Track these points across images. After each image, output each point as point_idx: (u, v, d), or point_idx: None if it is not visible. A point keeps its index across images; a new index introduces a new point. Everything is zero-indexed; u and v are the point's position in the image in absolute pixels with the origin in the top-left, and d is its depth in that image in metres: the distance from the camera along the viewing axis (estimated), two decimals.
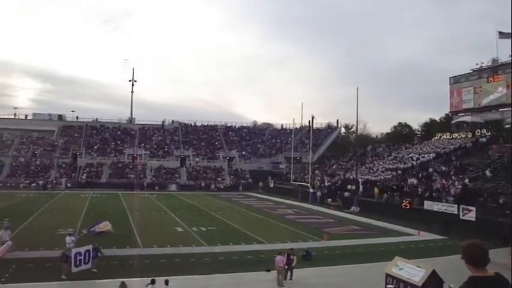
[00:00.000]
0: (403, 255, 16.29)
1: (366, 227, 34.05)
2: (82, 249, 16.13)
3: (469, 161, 44.03)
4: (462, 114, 60.15)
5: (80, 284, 16.65)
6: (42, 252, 21.01)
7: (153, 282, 13.71)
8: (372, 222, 35.90)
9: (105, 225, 20.90)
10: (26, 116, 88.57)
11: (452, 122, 61.76)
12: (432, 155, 50.52)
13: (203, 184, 71.02)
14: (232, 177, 76.30)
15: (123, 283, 13.57)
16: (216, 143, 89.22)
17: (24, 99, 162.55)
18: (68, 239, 19.60)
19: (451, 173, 41.66)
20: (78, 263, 15.73)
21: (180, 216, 36.74)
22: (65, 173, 69.99)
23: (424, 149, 55.61)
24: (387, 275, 14.79)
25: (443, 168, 44.30)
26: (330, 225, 34.16)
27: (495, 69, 53.53)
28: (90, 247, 16.92)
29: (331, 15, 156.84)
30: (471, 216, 30.70)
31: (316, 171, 65.09)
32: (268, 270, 18.88)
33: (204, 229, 30.35)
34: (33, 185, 63.22)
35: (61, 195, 53.93)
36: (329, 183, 55.88)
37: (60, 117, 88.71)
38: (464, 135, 53.84)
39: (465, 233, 27.11)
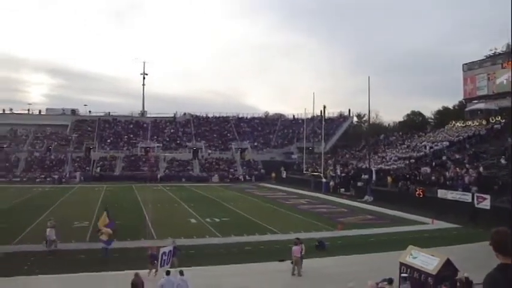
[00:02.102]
0: (416, 244, 16.26)
1: (379, 216, 33.99)
2: (167, 249, 16.17)
3: (484, 148, 43.63)
4: (476, 101, 59.54)
5: (98, 276, 16.90)
6: (59, 245, 21.25)
7: (168, 273, 13.83)
8: (385, 211, 35.80)
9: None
10: (40, 111, 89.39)
11: (466, 109, 61.20)
12: (446, 143, 50.14)
13: (216, 175, 71.32)
14: (244, 168, 76.45)
15: (136, 274, 13.71)
16: (228, 135, 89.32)
17: (38, 94, 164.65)
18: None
19: (465, 161, 41.33)
20: (163, 263, 15.79)
21: (194, 207, 36.97)
22: (79, 167, 70.67)
23: (438, 137, 55.19)
24: (401, 264, 14.80)
25: (457, 156, 43.95)
26: (343, 215, 34.17)
27: (509, 54, 52.73)
28: (172, 246, 16.87)
29: (343, 4, 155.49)
30: (486, 204, 30.46)
31: (329, 161, 64.93)
32: (282, 260, 18.96)
33: (217, 220, 30.54)
34: (48, 179, 63.97)
35: (76, 188, 54.49)
36: (342, 173, 55.75)
37: (73, 111, 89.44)
38: (478, 123, 53.26)
39: (480, 222, 27.03)
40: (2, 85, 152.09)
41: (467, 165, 39.29)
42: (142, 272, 15.02)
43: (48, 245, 20.41)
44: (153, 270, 16.28)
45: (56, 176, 64.65)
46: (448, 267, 13.56)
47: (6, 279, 15.71)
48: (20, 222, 28.01)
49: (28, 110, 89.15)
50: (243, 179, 70.97)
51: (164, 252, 15.97)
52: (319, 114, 78.21)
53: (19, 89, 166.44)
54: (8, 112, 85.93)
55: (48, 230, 20.70)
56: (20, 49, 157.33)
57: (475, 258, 17.37)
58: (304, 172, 61.62)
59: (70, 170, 68.89)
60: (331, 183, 53.50)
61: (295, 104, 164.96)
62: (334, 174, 56.39)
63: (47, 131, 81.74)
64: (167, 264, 16.00)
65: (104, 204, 38.40)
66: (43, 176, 65.49)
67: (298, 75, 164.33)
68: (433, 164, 44.20)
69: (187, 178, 69.72)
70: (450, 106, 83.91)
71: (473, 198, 31.78)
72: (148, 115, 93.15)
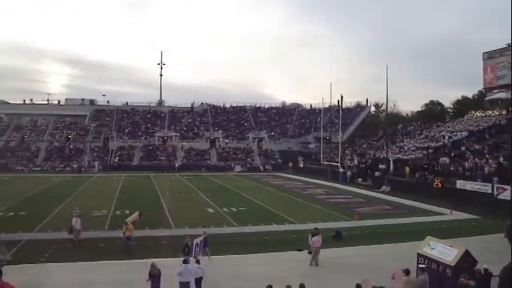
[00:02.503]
0: (435, 235, 16.15)
1: (397, 206, 33.79)
2: (198, 240, 16.46)
3: (504, 138, 42.98)
4: (496, 90, 58.63)
5: (117, 264, 17.15)
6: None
7: (186, 261, 13.96)
8: (403, 202, 35.59)
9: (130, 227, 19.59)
10: (59, 101, 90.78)
11: (486, 98, 60.34)
12: (465, 133, 49.55)
13: (233, 165, 71.56)
14: (261, 157, 76.52)
15: (152, 265, 13.84)
16: (245, 124, 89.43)
17: (57, 85, 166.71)
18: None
19: (485, 151, 40.80)
20: (196, 254, 16.04)
21: (211, 197, 37.17)
22: (98, 157, 71.48)
23: (457, 127, 54.55)
24: (419, 255, 14.72)
25: (477, 146, 43.40)
26: (360, 205, 34.04)
27: None
28: (203, 237, 17.07)
29: None
30: (506, 195, 30.05)
31: (346, 151, 64.67)
32: (300, 250, 19.00)
33: (234, 210, 30.67)
34: (67, 168, 64.98)
35: (94, 178, 55.19)
36: (359, 163, 55.48)
37: (91, 102, 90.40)
38: (498, 113, 52.47)
39: (499, 213, 26.72)
40: (23, 76, 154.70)
41: (486, 156, 38.80)
42: (160, 261, 15.16)
43: (74, 234, 20.52)
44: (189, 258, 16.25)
45: (75, 166, 65.71)
46: (467, 258, 13.44)
47: (27, 266, 16.01)
48: (41, 211, 28.51)
49: (48, 100, 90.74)
50: (262, 169, 71.06)
51: (197, 243, 16.23)
52: (336, 103, 77.94)
53: (39, 79, 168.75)
54: (29, 103, 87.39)
55: (74, 219, 20.79)
56: (39, 40, 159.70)
57: (494, 250, 17.26)
58: (322, 162, 61.47)
59: (89, 160, 69.75)
60: (349, 173, 53.30)
61: (313, 94, 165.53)
62: (351, 164, 56.15)
63: (66, 121, 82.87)
64: (199, 254, 16.24)
65: (122, 193, 38.99)
66: (62, 165, 66.53)
67: (315, 64, 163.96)
68: (452, 154, 43.73)
69: (206, 167, 69.97)
70: (470, 95, 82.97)
71: (493, 189, 31.39)
72: (165, 105, 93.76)
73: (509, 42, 54.72)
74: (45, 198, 35.76)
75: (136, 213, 21.24)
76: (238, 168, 70.58)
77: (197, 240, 16.46)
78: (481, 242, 19.84)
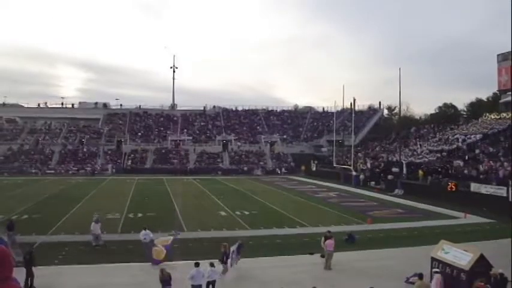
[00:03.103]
0: (449, 239, 16.00)
1: (410, 210, 33.53)
2: (235, 247, 16.51)
3: None
4: (511, 92, 57.91)
5: (129, 266, 17.23)
6: (91, 236, 21.68)
7: (197, 265, 13.97)
8: (416, 205, 35.29)
9: (160, 249, 17.60)
10: (73, 105, 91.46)
11: (501, 101, 59.69)
12: (479, 136, 49.06)
13: (245, 168, 71.61)
14: (274, 161, 76.44)
15: (162, 270, 13.87)
16: (258, 127, 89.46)
17: (71, 89, 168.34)
18: (143, 233, 18.80)
19: (500, 154, 40.34)
20: (232, 261, 16.08)
21: (223, 200, 37.16)
22: (111, 160, 71.99)
23: (471, 130, 54.03)
24: (433, 259, 14.59)
25: (491, 149, 42.94)
26: (373, 208, 33.82)
27: None
28: (237, 244, 17.05)
29: None
30: None
31: (359, 154, 64.39)
32: (312, 254, 18.93)
33: (247, 213, 30.63)
34: (81, 171, 65.49)
35: (108, 181, 55.55)
36: (372, 166, 55.19)
37: (104, 105, 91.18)
38: None
39: None
40: (38, 80, 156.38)
41: (501, 159, 38.36)
42: (172, 264, 15.18)
43: (94, 239, 20.33)
44: (226, 266, 16.17)
45: (89, 168, 66.17)
46: (482, 262, 13.29)
47: (41, 268, 16.13)
48: (55, 213, 28.73)
49: (62, 104, 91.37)
50: (279, 172, 71.22)
51: (233, 251, 16.20)
52: (348, 106, 77.64)
53: (53, 83, 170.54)
54: (43, 106, 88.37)
55: (92, 224, 20.61)
56: (53, 44, 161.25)
57: (510, 255, 16.99)
58: (334, 165, 61.25)
59: (102, 163, 70.26)
60: (361, 176, 53.04)
61: (325, 97, 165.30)
62: (364, 168, 55.88)
63: (79, 125, 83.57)
64: (236, 262, 16.27)
65: (135, 196, 39.14)
66: (76, 168, 67.02)
67: (327, 67, 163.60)
68: (466, 157, 43.30)
69: (221, 171, 70.10)
70: (484, 98, 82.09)
71: (508, 193, 31.00)
72: (178, 108, 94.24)
73: None
74: (59, 201, 36.03)
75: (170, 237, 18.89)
76: (258, 171, 70.78)
77: (234, 247, 16.39)
78: (496, 246, 19.59)
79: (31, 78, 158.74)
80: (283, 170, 72.47)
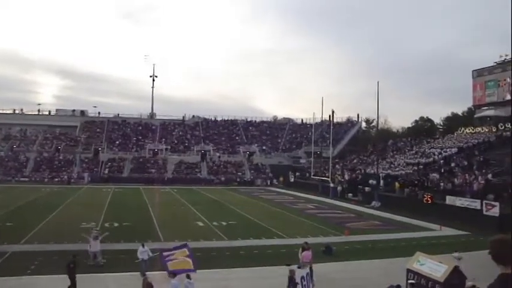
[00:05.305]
0: (424, 251, 16.18)
1: (387, 221, 33.83)
2: (304, 273, 15.43)
3: (493, 155, 43.32)
4: (485, 108, 59.19)
5: (101, 276, 16.95)
6: (66, 245, 21.35)
7: (173, 276, 13.85)
8: (393, 217, 35.64)
9: (182, 259, 16.05)
10: (50, 112, 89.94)
11: (475, 116, 60.88)
12: (454, 150, 49.88)
13: (223, 178, 71.40)
14: (252, 171, 76.40)
15: (144, 279, 13.73)
16: (237, 138, 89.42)
17: (48, 95, 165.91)
18: (141, 250, 17.86)
19: (474, 167, 41.06)
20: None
21: (201, 210, 36.96)
22: (88, 168, 70.95)
23: (446, 144, 54.92)
24: (408, 271, 14.72)
25: (466, 163, 43.69)
26: (350, 220, 34.03)
27: None
28: (308, 268, 16.08)
29: (352, 7, 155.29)
30: (495, 211, 30.24)
31: (337, 166, 64.81)
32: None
33: (224, 223, 30.52)
34: (56, 179, 64.43)
35: (84, 189, 54.74)
36: (350, 178, 55.58)
37: (82, 112, 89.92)
38: (487, 130, 53.01)
39: (488, 229, 26.76)
40: (14, 86, 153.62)
41: (476, 172, 39.05)
42: (150, 273, 14.99)
43: (92, 258, 18.56)
44: None
45: (65, 177, 65.10)
46: (456, 274, 13.47)
47: (13, 279, 15.79)
48: (28, 222, 28.18)
49: (38, 110, 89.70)
50: (269, 183, 71.68)
51: (303, 276, 15.33)
52: (327, 118, 78.14)
53: (30, 90, 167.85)
54: (19, 112, 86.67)
55: (91, 241, 18.91)
56: (30, 50, 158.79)
57: (484, 267, 17.17)
58: (312, 177, 61.50)
59: (78, 171, 69.24)
60: (339, 188, 53.36)
61: (304, 108, 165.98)
62: (342, 179, 56.24)
63: (56, 132, 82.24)
64: None
65: (111, 205, 38.64)
66: (51, 176, 65.89)
67: (306, 79, 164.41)
68: (442, 170, 43.95)
69: (259, 181, 71.21)
70: (459, 112, 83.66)
71: (481, 206, 31.54)
72: (157, 117, 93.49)
73: (499, 60, 55.63)
74: (33, 209, 35.36)
75: (186, 249, 16.63)
76: (258, 182, 71.35)
77: (303, 273, 15.60)
78: (470, 258, 19.82)
79: (6, 84, 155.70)
80: (273, 181, 72.57)
